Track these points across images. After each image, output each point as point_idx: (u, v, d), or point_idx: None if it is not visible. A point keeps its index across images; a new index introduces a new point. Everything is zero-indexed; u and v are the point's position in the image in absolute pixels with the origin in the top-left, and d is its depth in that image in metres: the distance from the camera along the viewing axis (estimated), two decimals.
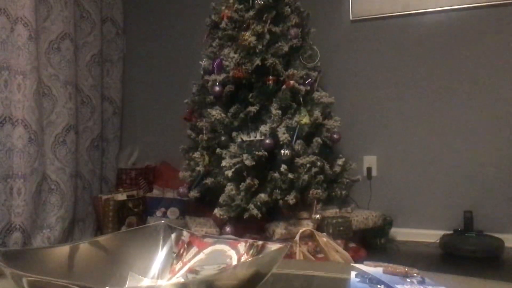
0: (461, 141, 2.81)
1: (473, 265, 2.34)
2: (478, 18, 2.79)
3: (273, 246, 0.67)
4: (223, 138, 2.44)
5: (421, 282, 0.73)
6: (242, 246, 0.70)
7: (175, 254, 0.73)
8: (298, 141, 2.31)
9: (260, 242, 0.69)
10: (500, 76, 2.74)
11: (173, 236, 0.75)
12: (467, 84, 2.81)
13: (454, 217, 2.75)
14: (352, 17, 3.06)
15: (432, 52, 2.89)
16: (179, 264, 0.72)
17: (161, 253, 0.74)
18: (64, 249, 0.70)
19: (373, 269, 0.76)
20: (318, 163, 2.30)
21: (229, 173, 2.26)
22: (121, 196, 3.01)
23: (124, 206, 2.99)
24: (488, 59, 2.76)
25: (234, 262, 0.69)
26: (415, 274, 0.74)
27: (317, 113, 2.39)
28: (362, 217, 2.54)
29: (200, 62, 2.59)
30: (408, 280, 0.73)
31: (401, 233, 2.86)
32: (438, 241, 2.63)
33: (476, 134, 2.79)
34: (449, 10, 2.84)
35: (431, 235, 2.75)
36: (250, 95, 2.42)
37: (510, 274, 2.18)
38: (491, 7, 2.75)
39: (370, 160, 3.02)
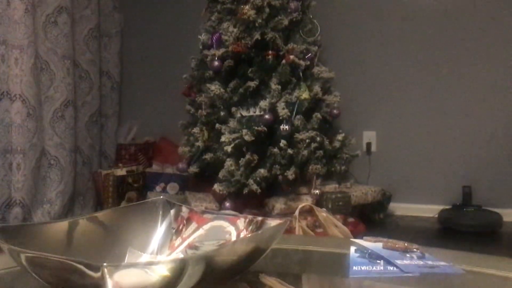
0: (460, 116, 2.80)
1: (471, 240, 2.36)
2: None
3: (272, 222, 0.67)
4: (222, 113, 2.43)
5: (421, 257, 0.73)
6: (241, 222, 0.70)
7: (174, 230, 0.73)
8: (298, 117, 2.30)
9: (259, 218, 0.69)
10: (500, 53, 2.72)
11: (172, 211, 0.75)
12: (468, 60, 2.78)
13: (452, 192, 2.76)
14: None
15: (435, 27, 2.85)
16: (179, 240, 0.72)
17: (160, 229, 0.73)
18: (63, 225, 0.70)
19: (373, 244, 0.76)
20: (318, 139, 2.30)
21: (229, 148, 2.25)
22: (121, 172, 3.01)
23: (124, 181, 3.00)
24: (489, 36, 2.73)
25: (234, 238, 0.69)
26: (414, 249, 0.74)
27: (316, 88, 2.38)
28: (361, 192, 2.55)
29: (199, 36, 2.56)
30: (407, 255, 0.73)
31: (400, 208, 2.88)
32: (436, 215, 2.65)
33: (475, 110, 2.77)
34: None
35: (430, 210, 2.76)
36: (250, 70, 2.40)
37: (508, 248, 2.20)
38: None
39: (369, 136, 3.02)
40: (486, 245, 2.24)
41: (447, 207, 2.69)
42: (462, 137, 2.80)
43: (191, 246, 0.70)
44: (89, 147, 3.17)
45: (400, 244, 0.75)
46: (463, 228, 2.49)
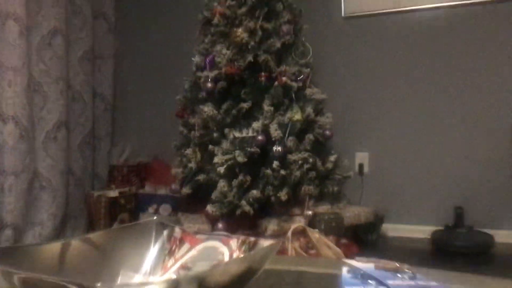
0: (452, 138, 2.83)
1: (463, 261, 2.36)
2: (469, 15, 2.80)
3: (265, 243, 0.67)
4: (215, 134, 2.44)
5: (412, 277, 0.73)
6: (234, 242, 0.70)
7: (167, 251, 0.73)
8: (290, 138, 2.31)
9: (252, 239, 0.69)
10: (491, 74, 2.76)
11: (165, 232, 0.75)
12: (459, 82, 2.82)
13: (445, 213, 2.77)
14: (344, 14, 3.07)
15: (424, 49, 2.90)
16: (171, 261, 0.72)
17: (153, 250, 0.74)
18: (56, 246, 0.70)
19: (365, 265, 0.76)
20: (310, 160, 2.30)
21: (221, 169, 2.26)
22: (113, 193, 3.00)
23: (116, 203, 2.98)
24: (480, 56, 2.78)
25: (226, 259, 0.69)
26: (406, 270, 0.75)
27: (309, 109, 2.40)
28: (354, 213, 2.55)
29: (192, 58, 2.58)
30: (399, 275, 0.73)
31: (392, 229, 2.88)
32: (429, 237, 2.65)
33: (467, 131, 2.80)
34: (440, 7, 2.85)
35: (422, 231, 2.77)
36: (243, 91, 2.42)
37: (500, 269, 2.20)
38: (481, 4, 2.76)
39: (362, 157, 3.04)
40: (478, 266, 2.24)
41: (440, 228, 2.69)
42: (454, 158, 2.83)
43: (184, 267, 0.70)
44: (82, 169, 3.16)
45: (392, 264, 0.76)
46: (455, 249, 2.50)
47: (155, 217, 0.79)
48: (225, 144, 2.37)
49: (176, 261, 0.72)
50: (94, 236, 0.76)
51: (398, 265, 0.75)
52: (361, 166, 3.02)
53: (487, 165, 2.75)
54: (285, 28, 2.49)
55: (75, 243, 0.71)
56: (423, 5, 2.88)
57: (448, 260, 2.38)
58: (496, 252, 2.48)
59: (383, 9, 2.97)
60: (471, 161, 2.79)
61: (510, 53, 2.71)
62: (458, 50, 2.83)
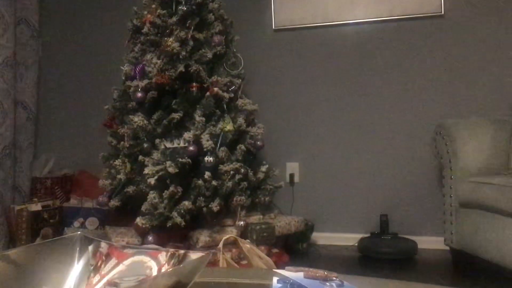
0: (378, 148, 2.95)
1: (389, 267, 2.45)
2: (392, 29, 2.94)
3: (194, 255, 0.66)
4: (145, 145, 2.39)
5: (340, 285, 0.75)
6: (163, 256, 0.68)
7: (92, 267, 0.70)
8: (222, 148, 2.31)
9: (181, 251, 0.68)
10: (413, 85, 2.91)
11: (90, 247, 0.72)
12: (384, 93, 2.95)
13: (371, 221, 2.87)
14: (274, 26, 3.13)
15: (350, 61, 3.01)
16: (97, 277, 0.69)
17: (77, 266, 0.70)
18: None
19: (294, 274, 0.77)
20: (242, 170, 2.31)
21: (152, 180, 2.21)
22: (36, 207, 2.86)
23: (39, 217, 2.84)
24: (403, 67, 2.92)
25: (155, 273, 0.67)
26: (334, 278, 0.76)
27: (240, 120, 2.41)
28: (284, 222, 2.59)
29: (122, 67, 2.53)
30: (327, 283, 0.75)
31: (322, 238, 2.94)
32: (356, 244, 2.74)
33: (392, 142, 2.93)
34: (365, 22, 2.98)
35: (350, 239, 2.85)
36: (174, 101, 2.39)
37: (423, 274, 2.31)
38: (404, 20, 2.91)
39: (292, 167, 3.09)
40: (402, 271, 2.34)
41: (366, 235, 2.79)
42: (379, 168, 2.94)
43: (110, 283, 0.67)
44: (1, 181, 2.98)
45: (320, 273, 0.77)
46: (381, 256, 2.59)
47: (79, 232, 0.76)
48: (156, 155, 2.33)
49: (102, 277, 0.69)
50: (13, 253, 0.71)
51: (326, 273, 0.77)
52: (291, 176, 3.07)
53: (410, 175, 2.89)
54: (216, 38, 2.49)
55: None
56: (349, 20, 3.00)
57: (375, 267, 2.47)
58: (419, 258, 2.60)
59: (312, 23, 3.06)
60: (395, 170, 2.91)
61: (431, 64, 2.87)
62: (383, 62, 2.96)
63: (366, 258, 2.62)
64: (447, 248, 2.46)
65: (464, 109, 2.80)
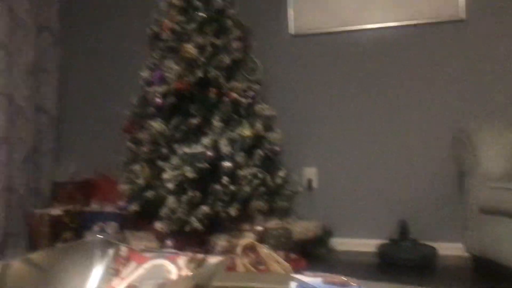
0: (397, 153, 2.92)
1: (408, 273, 2.42)
2: (412, 34, 2.92)
3: (213, 260, 0.67)
4: (164, 150, 2.41)
5: None
6: (182, 260, 0.69)
7: (113, 270, 0.71)
8: (240, 153, 2.31)
9: (200, 256, 0.68)
10: (433, 90, 2.88)
11: (110, 251, 0.73)
12: (403, 98, 2.93)
13: (390, 227, 2.84)
14: (292, 32, 3.13)
15: (369, 66, 2.99)
16: (117, 280, 0.70)
17: (98, 270, 0.71)
18: None
19: (313, 279, 0.77)
20: (260, 175, 2.32)
21: (171, 185, 2.23)
22: (57, 211, 2.89)
23: (60, 222, 2.88)
24: (423, 73, 2.90)
25: (174, 277, 0.68)
26: (353, 284, 0.76)
27: (258, 125, 2.41)
28: (302, 228, 2.58)
29: (141, 73, 2.55)
30: None
31: (340, 243, 2.92)
32: (375, 250, 2.71)
33: (411, 146, 2.90)
34: (384, 27, 2.96)
35: (369, 245, 2.83)
36: (192, 107, 2.41)
37: (442, 281, 2.28)
38: (424, 25, 2.89)
39: (310, 172, 3.08)
40: (422, 278, 2.31)
41: (385, 241, 2.76)
42: (399, 173, 2.91)
43: (131, 287, 0.68)
44: (23, 186, 3.03)
45: (339, 278, 0.77)
46: (400, 262, 2.56)
47: (100, 236, 0.77)
48: (174, 160, 2.35)
49: (122, 280, 0.70)
50: (36, 256, 0.73)
51: (345, 278, 0.77)
52: (309, 181, 3.06)
53: (429, 180, 2.86)
54: (234, 44, 2.51)
55: (16, 264, 0.68)
56: (368, 25, 2.98)
57: (394, 273, 2.44)
58: (439, 264, 2.56)
59: (330, 28, 3.05)
60: (414, 175, 2.88)
61: (451, 69, 2.84)
62: (403, 67, 2.94)
63: (385, 265, 2.60)
64: (468, 254, 2.43)
65: (485, 114, 2.77)
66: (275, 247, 2.29)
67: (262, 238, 2.36)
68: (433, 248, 2.61)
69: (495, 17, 2.78)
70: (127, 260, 0.72)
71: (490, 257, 2.21)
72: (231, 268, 1.50)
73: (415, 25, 2.91)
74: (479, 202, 2.27)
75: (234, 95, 2.39)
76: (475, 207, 2.30)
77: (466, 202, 2.37)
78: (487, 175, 2.25)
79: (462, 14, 2.81)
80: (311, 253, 2.71)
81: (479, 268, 2.35)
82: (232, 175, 2.29)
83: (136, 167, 2.42)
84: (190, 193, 2.22)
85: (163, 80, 2.45)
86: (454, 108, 2.83)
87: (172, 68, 2.41)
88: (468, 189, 2.36)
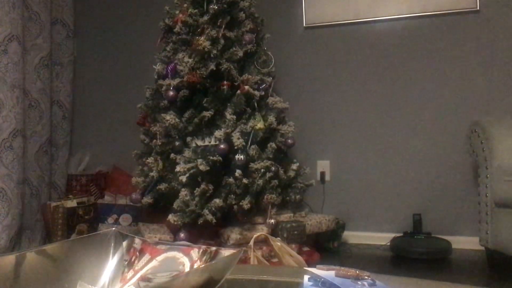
0: (411, 146, 2.90)
1: (422, 267, 2.41)
2: (425, 26, 2.89)
3: (226, 252, 0.67)
4: (177, 143, 2.42)
5: (372, 284, 0.74)
6: (195, 252, 0.69)
7: (126, 262, 0.72)
8: (253, 146, 2.31)
9: (213, 248, 0.68)
10: (447, 82, 2.85)
11: (124, 243, 0.73)
12: (417, 90, 2.90)
13: (404, 220, 2.83)
14: (305, 24, 3.11)
15: (383, 58, 2.97)
16: (131, 272, 0.71)
17: (112, 261, 0.72)
18: (10, 259, 0.68)
19: (326, 273, 0.77)
20: (273, 168, 2.31)
21: (184, 178, 2.24)
22: (71, 203, 2.92)
23: (74, 213, 2.91)
24: (436, 65, 2.87)
25: (187, 269, 0.68)
26: (366, 277, 0.75)
27: (271, 118, 2.41)
28: (315, 221, 2.57)
29: (154, 66, 2.56)
30: (359, 282, 0.74)
31: (353, 236, 2.92)
32: (389, 243, 2.70)
33: (425, 140, 2.88)
34: (398, 18, 2.94)
35: (382, 238, 2.82)
36: (205, 100, 2.41)
37: (457, 275, 2.26)
38: (438, 16, 2.86)
39: (323, 165, 3.07)
40: (436, 272, 2.29)
41: (399, 235, 2.75)
42: (412, 166, 2.89)
43: (144, 279, 0.69)
44: (38, 178, 3.07)
45: (352, 271, 0.76)
46: (414, 255, 2.55)
47: (114, 228, 0.77)
48: (187, 153, 2.36)
49: (135, 272, 0.70)
50: (50, 248, 0.73)
51: (358, 272, 0.76)
52: (322, 174, 3.05)
53: (444, 173, 2.83)
54: (247, 37, 2.50)
55: (31, 256, 0.68)
56: (381, 16, 2.96)
57: (407, 267, 2.43)
58: (453, 258, 2.54)
59: (343, 20, 3.03)
60: (429, 169, 2.86)
61: (466, 61, 2.81)
62: (416, 59, 2.91)
63: (399, 258, 2.59)
64: (482, 248, 2.41)
65: (500, 107, 2.73)
66: (288, 240, 2.29)
67: (275, 231, 2.36)
68: (448, 242, 2.59)
69: (509, 6, 2.74)
70: (141, 252, 0.72)
71: (506, 251, 2.19)
72: (244, 261, 1.51)
73: (428, 16, 2.87)
74: (494, 196, 2.25)
75: (247, 87, 2.38)
76: (490, 201, 2.28)
77: (481, 196, 2.35)
78: (502, 168, 2.22)
79: (476, 4, 2.77)
80: (324, 246, 2.71)
81: (494, 262, 2.33)
82: (245, 168, 2.29)
83: (149, 160, 2.43)
84: (203, 186, 2.23)
85: (176, 73, 2.45)
86: (470, 101, 2.80)
87: (185, 61, 2.41)
88: (483, 183, 2.33)
